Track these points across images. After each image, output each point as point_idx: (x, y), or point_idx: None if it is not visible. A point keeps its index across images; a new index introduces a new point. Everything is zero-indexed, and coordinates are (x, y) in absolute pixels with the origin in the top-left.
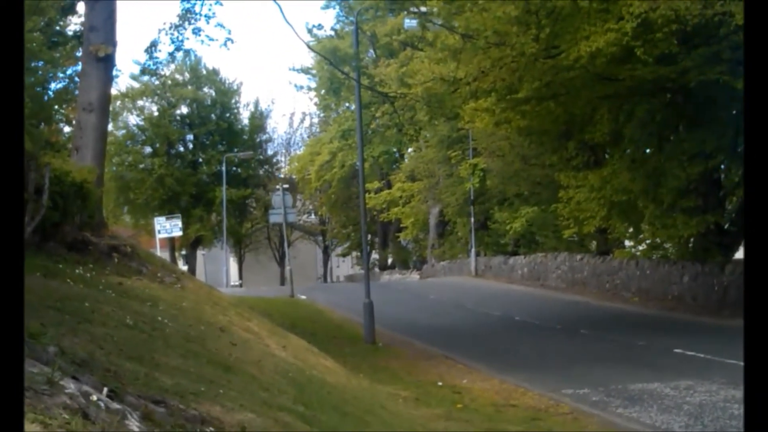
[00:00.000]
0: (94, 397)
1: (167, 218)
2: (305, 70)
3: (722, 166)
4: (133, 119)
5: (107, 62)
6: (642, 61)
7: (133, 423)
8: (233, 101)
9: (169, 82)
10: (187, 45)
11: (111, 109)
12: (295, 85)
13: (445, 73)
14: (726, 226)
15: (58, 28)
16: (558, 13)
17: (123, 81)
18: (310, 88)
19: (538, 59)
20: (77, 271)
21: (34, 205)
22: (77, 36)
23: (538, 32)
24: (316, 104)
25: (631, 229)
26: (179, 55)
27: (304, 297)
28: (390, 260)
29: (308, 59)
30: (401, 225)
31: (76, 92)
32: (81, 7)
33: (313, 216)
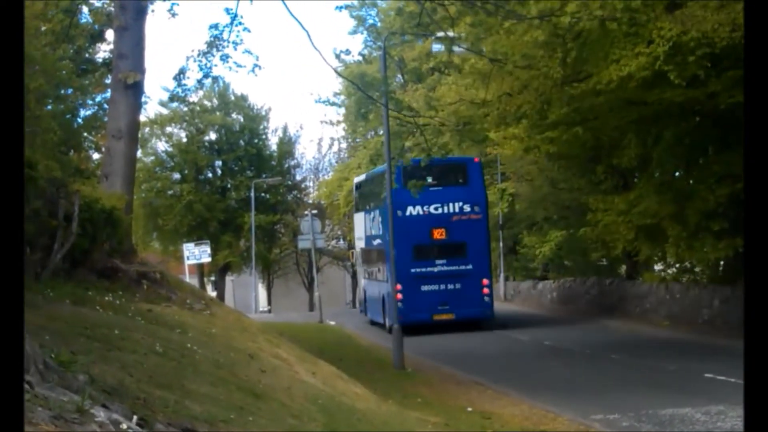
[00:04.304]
0: (124, 426)
1: (196, 244)
2: (333, 96)
3: None
4: (162, 145)
5: (136, 89)
6: (672, 84)
7: None
8: (261, 127)
9: (198, 108)
10: (215, 72)
11: (140, 135)
12: (323, 100)
13: (472, 97)
14: None
15: (87, 55)
16: (585, 37)
17: (151, 107)
18: (338, 113)
19: (565, 83)
20: (107, 298)
21: (64, 232)
22: (106, 63)
23: (564, 56)
24: (344, 129)
25: (659, 253)
26: (208, 81)
27: (332, 322)
28: None
29: (336, 85)
30: None
31: (105, 119)
32: (110, 35)
33: (341, 241)
